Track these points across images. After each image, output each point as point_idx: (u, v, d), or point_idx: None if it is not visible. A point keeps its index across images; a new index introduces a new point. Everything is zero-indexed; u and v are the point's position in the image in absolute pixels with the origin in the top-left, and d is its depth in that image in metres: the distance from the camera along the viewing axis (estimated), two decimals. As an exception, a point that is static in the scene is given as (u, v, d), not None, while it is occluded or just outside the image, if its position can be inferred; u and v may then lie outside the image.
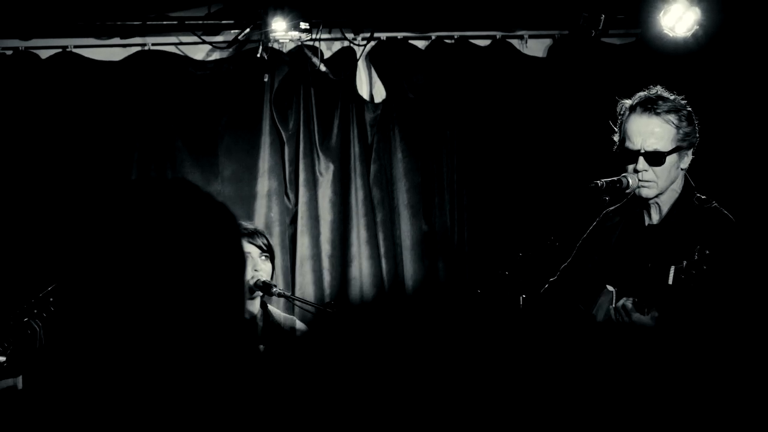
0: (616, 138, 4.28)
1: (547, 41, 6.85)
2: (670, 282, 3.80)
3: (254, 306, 4.96)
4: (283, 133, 6.59)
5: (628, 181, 4.16)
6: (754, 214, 5.84)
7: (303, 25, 6.24)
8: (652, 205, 4.22)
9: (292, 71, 6.58)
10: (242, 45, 6.55)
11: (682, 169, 4.20)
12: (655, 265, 3.96)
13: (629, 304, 3.99)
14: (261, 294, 4.93)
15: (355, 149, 6.61)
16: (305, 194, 6.55)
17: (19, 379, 4.25)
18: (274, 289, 4.93)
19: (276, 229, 6.51)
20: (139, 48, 6.52)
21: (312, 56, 6.56)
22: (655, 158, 4.13)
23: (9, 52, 6.39)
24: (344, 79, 6.64)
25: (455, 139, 6.71)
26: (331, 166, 6.61)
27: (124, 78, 6.45)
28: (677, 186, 4.20)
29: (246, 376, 1.48)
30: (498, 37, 6.78)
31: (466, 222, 6.67)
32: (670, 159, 4.14)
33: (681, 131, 4.15)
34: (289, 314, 6.32)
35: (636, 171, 4.14)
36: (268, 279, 4.92)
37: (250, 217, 6.47)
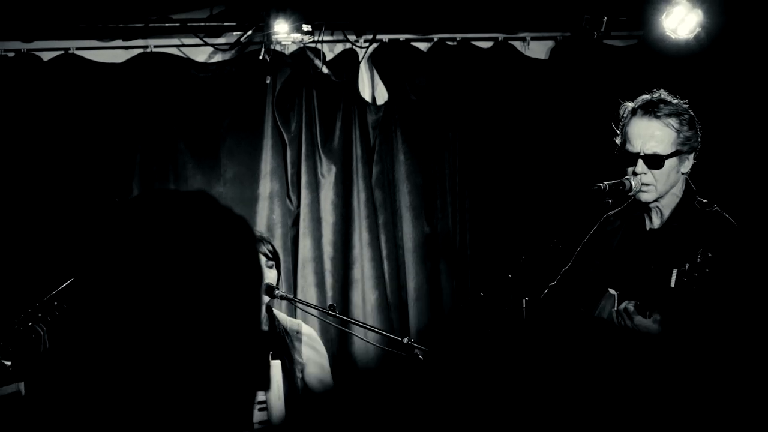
0: (617, 140, 4.28)
1: (550, 43, 6.85)
2: (673, 285, 3.80)
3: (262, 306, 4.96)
4: (285, 135, 6.59)
5: (631, 184, 4.16)
6: (756, 217, 5.84)
7: (305, 27, 6.24)
8: (653, 209, 4.23)
9: (295, 73, 6.58)
10: (244, 47, 6.56)
11: (682, 174, 4.19)
12: (657, 269, 3.96)
13: (631, 307, 3.99)
14: (268, 298, 4.94)
15: (358, 151, 6.61)
16: (307, 196, 6.55)
17: (22, 384, 4.25)
18: (277, 292, 4.93)
19: (278, 231, 6.51)
20: (141, 50, 6.53)
21: (314, 58, 6.56)
22: (654, 161, 4.13)
23: (11, 54, 6.40)
24: (346, 81, 6.64)
25: (457, 141, 6.71)
26: (333, 168, 6.60)
27: (126, 80, 6.46)
28: (678, 190, 4.20)
29: (257, 382, 1.48)
30: (500, 39, 6.78)
31: (469, 224, 6.67)
32: (670, 162, 4.14)
33: (681, 135, 4.15)
34: (291, 316, 6.34)
35: (635, 174, 4.15)
36: (272, 282, 4.93)
37: (252, 219, 6.47)
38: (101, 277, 1.43)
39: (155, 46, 6.53)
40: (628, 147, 4.19)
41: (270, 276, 4.91)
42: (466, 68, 6.71)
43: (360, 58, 6.66)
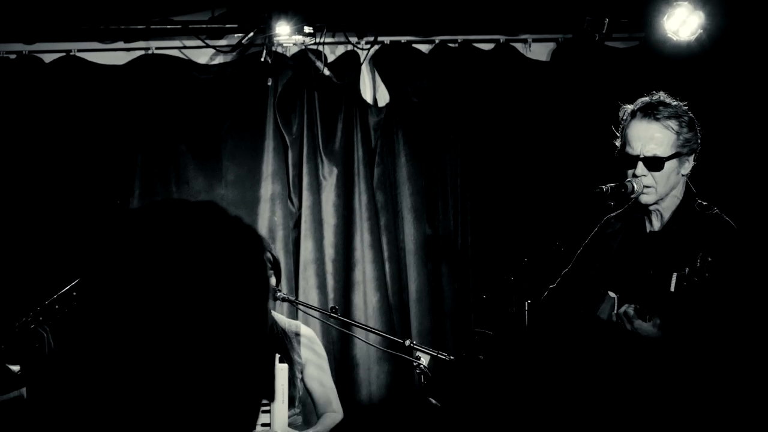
0: (617, 143, 4.29)
1: (551, 45, 6.84)
2: (672, 289, 3.81)
3: None
4: (286, 137, 6.59)
5: (633, 186, 4.16)
6: (756, 220, 5.84)
7: (307, 29, 6.25)
8: (653, 211, 4.23)
9: (296, 75, 6.58)
10: (246, 49, 6.56)
11: (682, 176, 4.20)
12: (657, 272, 3.96)
13: (631, 311, 3.99)
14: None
15: (359, 153, 6.61)
16: (309, 198, 6.55)
17: (24, 389, 4.26)
18: (278, 294, 4.94)
19: (279, 233, 6.51)
20: (142, 52, 6.53)
21: (316, 60, 6.56)
22: (654, 163, 4.13)
23: (13, 56, 6.41)
24: (348, 83, 6.64)
25: (459, 142, 6.71)
26: (335, 170, 6.60)
27: (128, 82, 6.47)
28: (678, 192, 4.20)
29: (261, 391, 1.48)
30: (501, 41, 6.78)
31: (470, 226, 6.66)
32: (670, 165, 4.14)
33: (681, 137, 4.15)
34: (292, 318, 6.34)
35: (635, 176, 4.15)
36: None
37: (253, 221, 6.47)
38: (108, 282, 1.43)
39: (157, 48, 6.54)
40: (628, 149, 4.19)
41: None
42: (467, 70, 6.70)
43: (361, 60, 6.66)
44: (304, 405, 5.01)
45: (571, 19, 6.54)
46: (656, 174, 4.13)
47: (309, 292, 6.46)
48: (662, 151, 4.14)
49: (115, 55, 6.54)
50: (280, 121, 6.57)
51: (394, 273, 6.57)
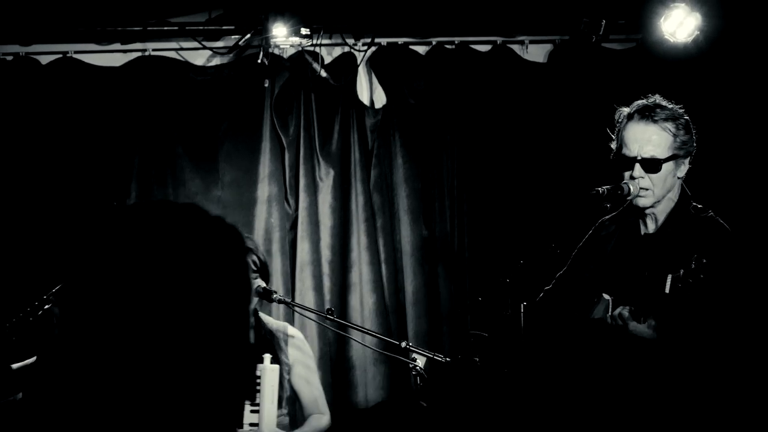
0: (613, 145, 4.29)
1: (548, 46, 6.84)
2: (667, 291, 3.81)
3: None
4: (283, 139, 6.59)
5: (629, 188, 4.16)
6: (752, 222, 5.84)
7: (303, 31, 6.25)
8: (648, 213, 4.23)
9: (293, 77, 6.58)
10: (243, 50, 6.56)
11: (678, 178, 4.20)
12: (651, 274, 3.96)
13: (626, 312, 3.99)
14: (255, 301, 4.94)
15: (356, 155, 6.60)
16: (305, 199, 6.55)
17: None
18: (275, 296, 4.93)
19: (276, 235, 6.51)
20: (139, 53, 6.53)
21: (312, 62, 6.56)
22: (651, 165, 4.13)
23: (9, 58, 6.41)
24: (345, 85, 6.64)
25: (456, 144, 6.71)
26: (332, 172, 6.60)
27: (125, 83, 6.46)
28: (674, 195, 4.20)
29: (242, 393, 1.48)
30: (498, 42, 6.78)
31: (467, 228, 6.66)
32: (666, 167, 4.14)
33: (678, 139, 4.16)
34: (287, 320, 6.34)
35: (632, 177, 4.15)
36: (267, 285, 4.93)
37: (250, 222, 6.48)
38: (88, 285, 1.43)
39: (153, 50, 6.54)
40: (625, 151, 4.19)
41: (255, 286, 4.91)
42: (464, 71, 6.70)
43: (358, 62, 6.66)
44: (291, 406, 5.01)
45: (568, 20, 6.55)
46: (653, 176, 4.13)
47: (305, 294, 6.46)
48: (659, 152, 4.14)
49: (112, 57, 6.54)
50: (277, 122, 6.57)
51: (390, 275, 6.57)
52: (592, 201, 4.18)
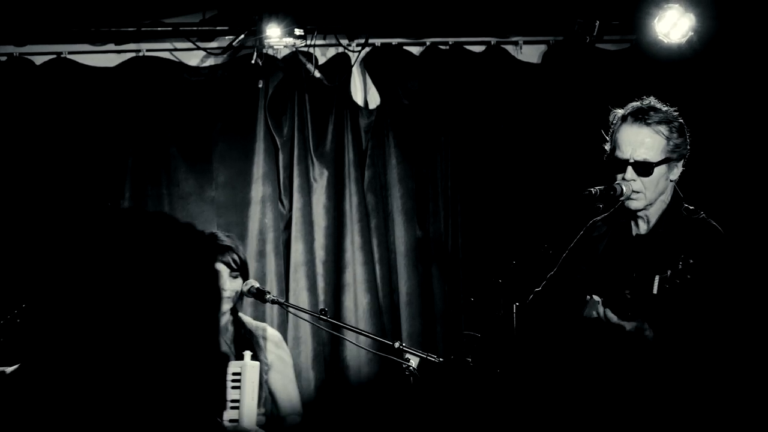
0: (607, 147, 4.29)
1: (542, 47, 6.84)
2: (655, 291, 3.81)
3: (223, 316, 4.97)
4: (277, 139, 6.59)
5: (622, 189, 4.16)
6: (745, 224, 5.85)
7: (297, 32, 6.24)
8: (640, 215, 4.23)
9: (287, 77, 6.58)
10: (237, 51, 6.55)
11: (671, 181, 4.20)
12: (640, 275, 3.97)
13: (613, 314, 3.99)
14: (231, 305, 4.97)
15: (350, 155, 6.60)
16: (299, 200, 6.55)
17: None
18: (268, 296, 4.94)
19: (270, 235, 6.51)
20: (133, 54, 6.53)
21: (306, 62, 6.55)
22: (644, 168, 4.13)
23: (3, 58, 6.41)
24: (339, 85, 6.64)
25: (450, 145, 6.71)
26: (326, 172, 6.60)
27: (119, 84, 6.46)
28: (666, 197, 4.21)
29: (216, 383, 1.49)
30: (492, 43, 6.78)
31: (461, 228, 6.66)
32: (659, 170, 4.14)
33: (671, 143, 4.16)
34: (281, 320, 6.35)
35: (624, 180, 4.15)
36: (235, 293, 4.95)
37: (244, 222, 6.48)
38: (56, 291, 1.44)
39: (147, 50, 6.53)
40: (618, 153, 4.19)
41: (232, 287, 4.92)
42: (458, 72, 6.70)
43: (352, 62, 6.66)
44: (267, 405, 5.02)
45: (562, 21, 6.56)
46: (645, 179, 4.13)
47: (299, 294, 6.46)
48: (652, 156, 4.14)
49: (106, 57, 6.53)
50: (271, 123, 6.56)
51: (384, 275, 6.57)
52: (585, 201, 4.18)
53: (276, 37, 6.24)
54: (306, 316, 5.54)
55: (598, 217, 4.41)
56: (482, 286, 5.15)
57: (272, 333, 5.15)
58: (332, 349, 6.47)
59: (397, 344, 4.61)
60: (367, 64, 6.72)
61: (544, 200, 6.24)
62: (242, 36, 6.40)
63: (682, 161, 4.21)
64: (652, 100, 4.24)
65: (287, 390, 5.10)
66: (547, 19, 6.67)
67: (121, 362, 1.42)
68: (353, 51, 6.66)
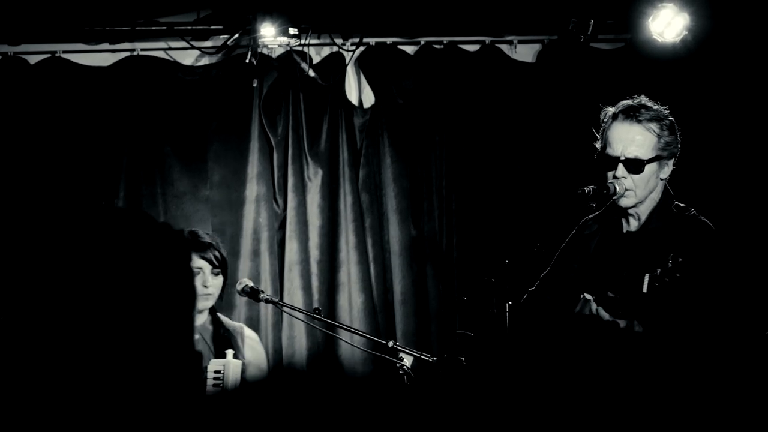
0: (598, 145, 4.29)
1: (537, 46, 6.84)
2: (645, 290, 3.82)
3: (203, 314, 4.99)
4: (272, 139, 6.59)
5: (615, 188, 4.16)
6: (737, 221, 5.85)
7: (292, 31, 6.24)
8: (630, 212, 4.23)
9: (281, 76, 6.58)
10: (231, 50, 6.55)
11: (661, 179, 4.21)
12: (630, 273, 3.97)
13: (605, 313, 4.00)
14: (210, 304, 4.99)
15: (344, 154, 6.61)
16: (294, 199, 6.55)
17: None
18: (262, 295, 4.96)
19: (264, 234, 6.51)
20: (128, 53, 6.53)
21: (301, 61, 6.55)
22: (635, 166, 4.14)
23: (-2, 58, 6.40)
24: (333, 85, 6.64)
25: (444, 144, 6.71)
26: (320, 172, 6.60)
27: (113, 83, 6.46)
28: (656, 195, 4.21)
29: (193, 388, 1.49)
30: (487, 42, 6.78)
31: (455, 227, 6.67)
32: (650, 167, 4.15)
33: (662, 140, 4.16)
34: (275, 320, 6.36)
35: (615, 177, 4.15)
36: (217, 291, 4.98)
37: (238, 222, 6.48)
38: (28, 287, 1.44)
39: (142, 50, 6.53)
40: (609, 151, 4.20)
41: (215, 284, 4.95)
42: (453, 71, 6.70)
43: (347, 62, 6.66)
44: None
45: (557, 20, 6.55)
46: (636, 177, 4.14)
47: (294, 293, 6.46)
48: (643, 153, 4.15)
49: (100, 57, 6.53)
50: (266, 122, 6.57)
51: (379, 274, 6.57)
52: (578, 200, 4.19)
53: (270, 36, 6.24)
54: (300, 316, 5.55)
55: (590, 216, 4.42)
56: (476, 285, 5.15)
57: (249, 333, 5.19)
58: (326, 349, 6.47)
59: (391, 343, 4.62)
60: (361, 64, 6.72)
61: (538, 199, 6.24)
62: (237, 35, 6.39)
63: (673, 159, 4.22)
64: (644, 98, 4.25)
65: (264, 386, 5.14)
66: (542, 19, 6.67)
67: (98, 357, 1.42)
68: (348, 50, 6.66)
